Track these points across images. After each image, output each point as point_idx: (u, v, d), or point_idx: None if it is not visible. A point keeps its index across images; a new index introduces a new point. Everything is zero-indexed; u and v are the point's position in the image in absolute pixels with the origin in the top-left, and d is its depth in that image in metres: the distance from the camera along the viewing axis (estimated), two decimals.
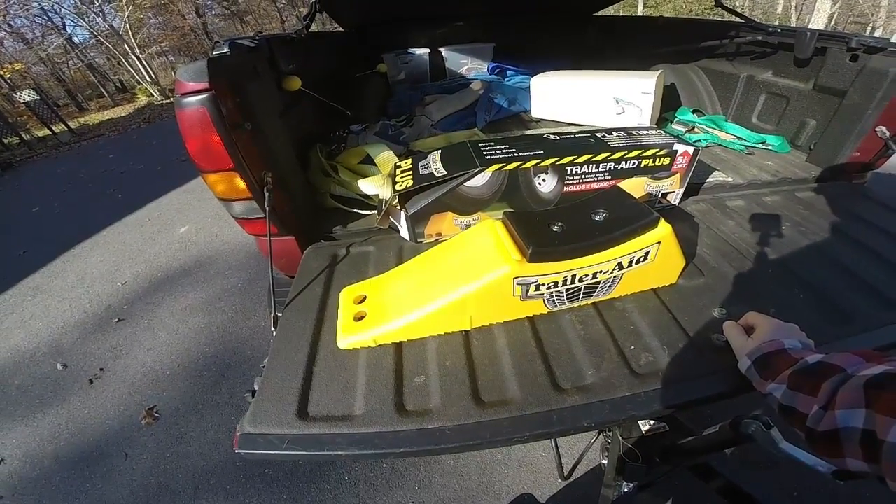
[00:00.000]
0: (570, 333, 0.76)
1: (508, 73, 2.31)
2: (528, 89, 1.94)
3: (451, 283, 0.75)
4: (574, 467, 1.35)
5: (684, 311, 0.78)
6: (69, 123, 8.85)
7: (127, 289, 3.01)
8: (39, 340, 2.61)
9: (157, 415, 1.99)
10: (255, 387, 0.71)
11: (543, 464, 1.59)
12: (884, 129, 1.11)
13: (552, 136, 1.09)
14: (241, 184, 0.88)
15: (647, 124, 1.58)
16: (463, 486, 1.56)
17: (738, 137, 1.51)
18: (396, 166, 1.08)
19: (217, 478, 1.69)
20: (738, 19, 1.58)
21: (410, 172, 1.00)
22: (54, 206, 4.74)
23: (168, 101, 11.02)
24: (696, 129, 1.64)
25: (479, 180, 0.96)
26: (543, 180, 1.01)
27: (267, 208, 0.90)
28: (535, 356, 0.71)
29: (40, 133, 8.63)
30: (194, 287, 2.91)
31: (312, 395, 0.68)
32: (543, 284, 0.74)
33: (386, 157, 1.25)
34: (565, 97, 1.75)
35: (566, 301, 0.79)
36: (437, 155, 1.03)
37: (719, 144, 1.53)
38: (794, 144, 1.42)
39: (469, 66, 2.44)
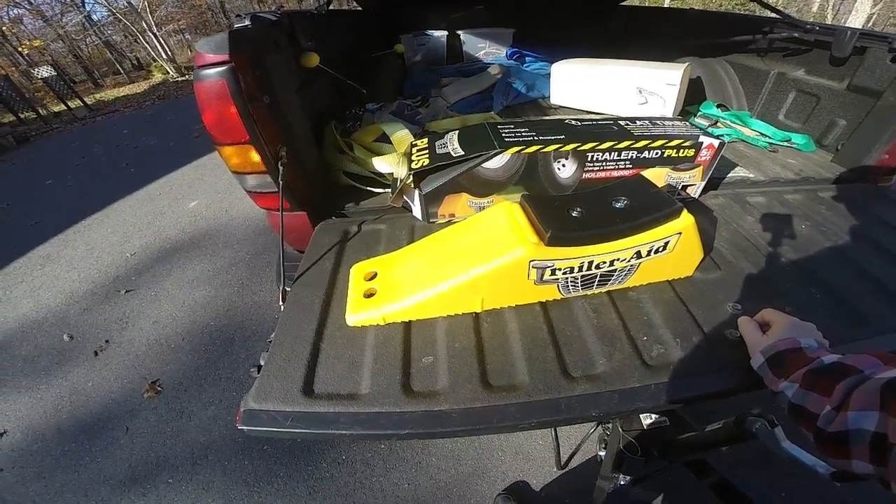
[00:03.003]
0: (583, 321, 0.74)
1: (527, 59, 2.26)
2: (546, 76, 1.90)
3: (465, 263, 0.72)
4: (570, 457, 1.34)
5: (699, 305, 0.76)
6: (85, 99, 8.90)
7: (135, 260, 3.03)
8: (47, 310, 2.64)
9: (159, 388, 2.00)
10: (261, 362, 0.70)
11: (540, 452, 1.59)
12: None
13: (573, 122, 1.06)
14: (256, 157, 0.89)
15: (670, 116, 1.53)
16: (459, 470, 1.56)
17: (763, 134, 1.46)
18: (412, 145, 1.06)
19: (216, 453, 1.70)
20: (773, 15, 1.52)
21: (427, 152, 0.99)
22: (67, 179, 4.78)
23: (183, 78, 11.05)
24: (719, 124, 1.60)
25: (497, 162, 0.94)
26: (563, 165, 0.98)
27: (280, 182, 0.90)
28: (546, 342, 0.70)
29: (56, 108, 8.69)
30: (202, 260, 2.91)
31: (318, 372, 0.67)
32: (559, 269, 0.71)
33: (402, 136, 1.23)
34: (587, 85, 1.71)
35: (580, 288, 0.77)
36: (454, 135, 1.01)
37: (743, 140, 1.48)
38: (820, 144, 1.38)
39: (487, 50, 2.39)
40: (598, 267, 0.72)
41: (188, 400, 1.92)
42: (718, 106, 1.64)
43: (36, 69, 9.01)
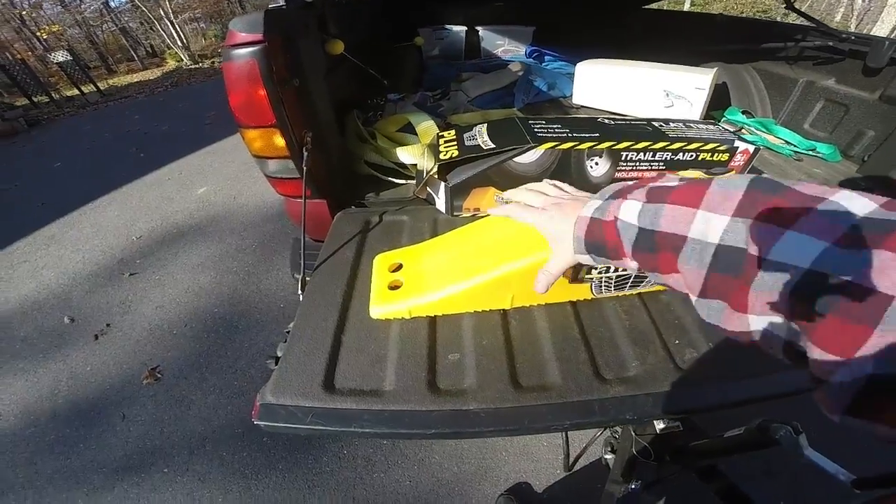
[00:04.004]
0: (615, 322, 0.71)
1: (546, 57, 2.22)
2: (568, 75, 1.87)
3: (497, 258, 0.68)
4: (576, 460, 1.32)
5: None
6: (98, 84, 8.94)
7: (141, 243, 3.01)
8: (49, 291, 2.62)
9: (158, 375, 1.97)
10: (278, 353, 0.67)
11: (544, 453, 1.55)
12: None
13: (606, 120, 1.04)
14: (281, 141, 0.87)
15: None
16: (462, 468, 1.53)
17: (788, 142, 1.43)
18: (439, 136, 1.03)
19: (213, 444, 1.66)
20: (805, 23, 1.51)
21: (455, 143, 0.96)
22: (76, 162, 4.78)
23: (196, 66, 11.09)
24: (744, 131, 1.56)
25: (530, 157, 0.92)
26: (596, 164, 0.96)
27: (304, 168, 0.88)
28: (577, 342, 0.67)
29: (69, 93, 8.74)
30: (208, 246, 2.89)
31: (339, 366, 0.64)
32: (595, 268, 0.68)
33: (427, 127, 1.21)
34: (611, 85, 1.68)
35: (612, 288, 0.73)
36: (482, 128, 0.99)
37: (768, 148, 1.45)
38: (845, 154, 1.34)
39: (505, 47, 2.36)
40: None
41: (188, 388, 1.89)
42: (743, 112, 1.61)
43: (52, 54, 9.12)
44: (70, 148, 5.30)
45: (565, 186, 0.63)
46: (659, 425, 0.90)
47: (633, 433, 0.92)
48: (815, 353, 0.25)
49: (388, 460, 1.57)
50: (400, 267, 0.77)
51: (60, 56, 8.65)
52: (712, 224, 0.31)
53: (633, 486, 0.94)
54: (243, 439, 1.66)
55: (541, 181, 0.96)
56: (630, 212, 0.39)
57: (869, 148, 1.26)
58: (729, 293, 0.30)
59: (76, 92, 8.64)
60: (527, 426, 0.57)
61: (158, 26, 11.90)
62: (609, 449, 1.08)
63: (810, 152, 1.38)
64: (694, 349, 0.66)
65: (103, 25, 14.02)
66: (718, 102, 1.68)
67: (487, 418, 0.57)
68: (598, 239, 0.44)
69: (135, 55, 13.72)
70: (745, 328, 0.30)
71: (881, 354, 0.22)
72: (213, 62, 11.25)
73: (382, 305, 0.69)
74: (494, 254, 0.69)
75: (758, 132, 1.52)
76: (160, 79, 10.04)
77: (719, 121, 1.62)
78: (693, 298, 0.34)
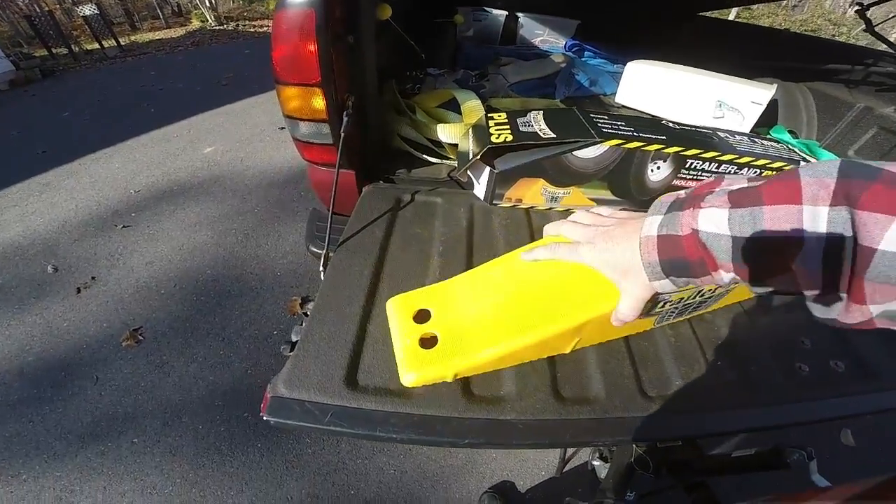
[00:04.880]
0: (661, 340, 0.68)
1: (586, 53, 2.13)
2: (611, 73, 1.80)
3: (563, 304, 0.53)
4: (564, 464, 1.31)
5: (770, 333, 0.71)
6: (120, 40, 8.87)
7: (139, 197, 2.90)
8: (35, 237, 2.50)
9: (140, 337, 1.86)
10: (294, 338, 0.61)
11: (533, 454, 1.52)
12: None
13: (670, 124, 1.00)
14: (321, 103, 0.81)
15: None
16: (448, 462, 1.47)
17: None
18: (489, 117, 0.95)
19: (191, 415, 1.56)
20: (877, 46, 1.42)
21: (508, 127, 0.89)
22: (85, 113, 4.65)
23: (221, 27, 10.97)
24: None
25: (591, 152, 0.85)
26: (658, 167, 0.90)
27: (343, 134, 0.82)
28: (622, 356, 0.63)
29: (89, 46, 8.66)
30: (209, 205, 2.78)
31: (364, 359, 0.58)
32: (670, 301, 0.59)
33: (473, 106, 1.15)
34: (660, 88, 1.59)
35: (674, 316, 0.67)
36: (539, 115, 0.92)
37: None
38: None
39: (544, 37, 2.27)
40: (702, 294, 0.62)
41: (169, 353, 1.78)
42: (789, 132, 1.54)
43: (80, 7, 9.07)
44: (81, 99, 5.18)
45: (600, 209, 0.55)
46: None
47: (634, 444, 0.91)
48: None
49: (373, 447, 1.49)
50: (427, 315, 0.59)
51: (87, 10, 8.61)
52: (820, 217, 0.30)
53: (628, 496, 0.94)
54: (222, 413, 1.57)
55: (590, 180, 0.90)
56: (714, 221, 0.36)
57: None
58: (845, 286, 0.30)
59: (96, 46, 8.56)
60: (568, 440, 0.54)
61: None
62: (598, 456, 1.08)
63: None
64: (736, 371, 0.64)
65: None
66: (764, 119, 1.61)
67: (526, 430, 0.53)
68: (678, 256, 0.40)
69: (160, 13, 13.58)
70: (866, 317, 0.30)
71: None
72: (237, 25, 11.15)
73: (418, 370, 0.52)
74: (553, 298, 0.55)
75: (802, 153, 1.45)
76: (182, 37, 9.91)
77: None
78: (809, 297, 0.33)
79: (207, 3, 11.59)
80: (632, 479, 0.92)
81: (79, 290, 2.10)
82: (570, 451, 1.32)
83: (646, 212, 0.44)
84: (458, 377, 0.54)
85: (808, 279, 0.32)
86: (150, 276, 2.18)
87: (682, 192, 0.42)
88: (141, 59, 7.81)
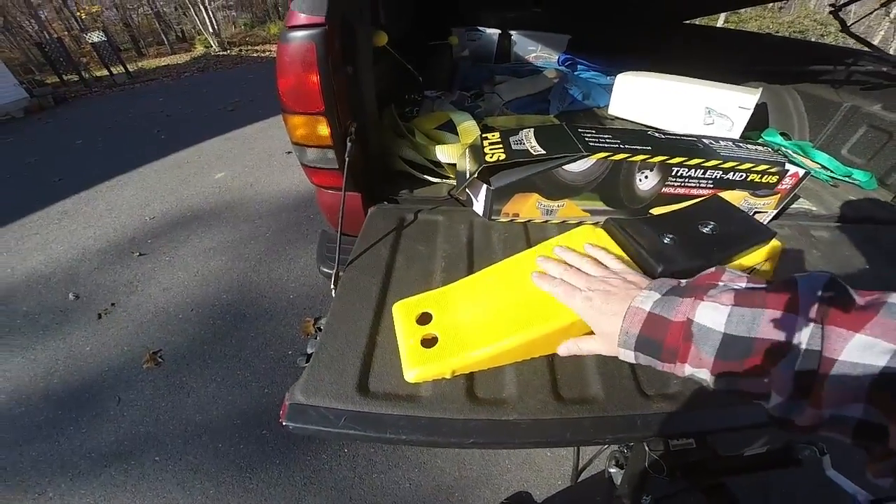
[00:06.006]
0: None
1: (580, 67, 2.18)
2: (603, 85, 1.83)
3: (552, 307, 0.59)
4: (580, 472, 1.30)
5: None
6: (127, 66, 9.14)
7: (154, 224, 2.99)
8: (56, 266, 2.60)
9: (160, 360, 1.92)
10: (309, 350, 0.65)
11: (547, 463, 1.51)
12: None
13: (656, 134, 1.02)
14: (325, 130, 0.85)
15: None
16: (463, 474, 1.49)
17: (824, 167, 1.38)
18: (483, 138, 1.00)
19: (210, 434, 1.61)
20: (856, 46, 1.45)
21: (501, 146, 0.94)
22: (98, 140, 4.81)
23: (224, 52, 11.26)
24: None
25: (580, 166, 0.89)
26: (646, 177, 0.93)
27: (347, 160, 0.87)
28: None
29: (98, 73, 8.99)
30: (221, 231, 2.86)
31: (374, 368, 0.61)
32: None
33: (469, 127, 1.20)
34: (650, 98, 1.63)
35: None
36: (530, 133, 0.97)
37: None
38: (881, 182, 1.31)
39: (537, 53, 2.33)
40: None
41: (189, 375, 1.85)
42: (781, 134, 1.56)
43: (88, 34, 9.35)
44: (93, 126, 5.35)
45: (607, 260, 0.58)
46: (672, 440, 0.90)
47: (646, 447, 0.91)
48: None
49: (389, 461, 1.52)
50: (428, 318, 0.67)
51: (95, 36, 8.87)
52: (805, 328, 0.33)
53: (644, 501, 0.95)
54: (241, 431, 1.61)
55: (581, 192, 0.93)
56: (710, 316, 0.38)
57: None
58: (811, 392, 0.32)
59: (105, 72, 8.86)
60: (568, 438, 0.56)
61: (192, 10, 12.13)
62: (614, 463, 1.08)
63: (846, 178, 1.34)
64: None
65: (139, 9, 14.32)
66: (755, 123, 1.64)
67: (528, 429, 0.56)
68: (657, 338, 0.42)
69: (165, 39, 13.96)
70: (818, 421, 0.32)
71: None
72: (240, 50, 11.42)
73: (419, 367, 0.59)
74: (543, 302, 0.60)
75: (795, 155, 1.47)
76: (188, 63, 10.20)
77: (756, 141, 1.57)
78: (774, 399, 0.34)
79: (211, 29, 11.88)
80: (646, 483, 0.92)
81: (100, 316, 2.18)
82: (583, 459, 1.31)
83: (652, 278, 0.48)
84: (456, 374, 0.61)
85: (781, 384, 0.33)
86: (167, 301, 2.26)
87: (683, 281, 0.45)
88: (149, 85, 8.05)
